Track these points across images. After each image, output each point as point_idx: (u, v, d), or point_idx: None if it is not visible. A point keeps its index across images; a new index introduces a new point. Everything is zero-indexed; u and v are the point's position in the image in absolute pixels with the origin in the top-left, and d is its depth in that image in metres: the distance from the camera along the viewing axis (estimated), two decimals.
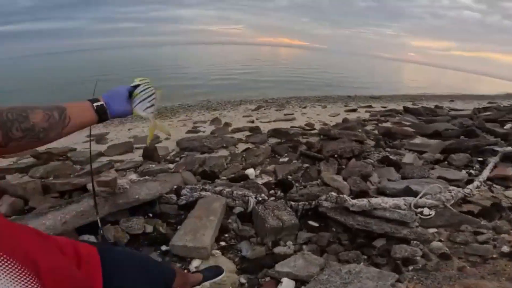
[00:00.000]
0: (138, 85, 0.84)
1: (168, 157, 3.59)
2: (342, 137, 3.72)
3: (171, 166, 3.22)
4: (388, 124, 5.85)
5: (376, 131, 5.00)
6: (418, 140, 4.36)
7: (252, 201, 2.23)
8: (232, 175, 2.92)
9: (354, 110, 7.78)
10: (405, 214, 2.11)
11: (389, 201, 2.16)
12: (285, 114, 6.88)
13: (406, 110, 7.75)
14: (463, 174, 3.18)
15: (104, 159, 3.60)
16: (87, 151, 3.91)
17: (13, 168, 3.21)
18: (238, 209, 2.32)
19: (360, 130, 4.80)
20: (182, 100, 9.60)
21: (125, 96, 0.81)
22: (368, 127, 5.43)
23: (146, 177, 2.40)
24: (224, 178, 2.89)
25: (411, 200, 2.28)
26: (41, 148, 3.75)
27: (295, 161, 3.27)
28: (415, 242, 1.97)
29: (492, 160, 3.44)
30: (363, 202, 2.10)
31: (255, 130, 4.88)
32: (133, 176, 2.85)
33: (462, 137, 4.62)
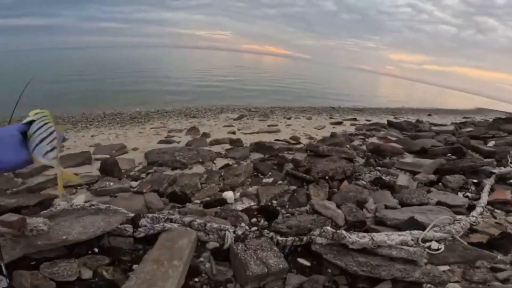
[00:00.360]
0: (34, 121, 0.63)
1: (132, 173, 3.04)
2: (332, 155, 3.36)
3: (134, 184, 2.70)
4: (374, 139, 5.64)
5: (364, 147, 4.75)
6: (409, 159, 4.12)
7: (229, 236, 1.78)
8: (207, 199, 2.45)
9: (339, 123, 7.58)
10: (414, 252, 1.76)
11: (395, 237, 1.80)
12: (269, 125, 6.50)
13: (390, 124, 7.67)
14: (462, 198, 2.92)
15: (53, 172, 2.98)
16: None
17: None
18: (212, 244, 1.87)
19: (348, 146, 4.51)
20: (159, 105, 8.97)
21: (16, 139, 0.59)
22: (356, 142, 5.17)
23: (92, 203, 1.87)
24: (198, 201, 2.41)
25: (418, 234, 1.94)
26: None
27: (280, 181, 2.86)
28: (428, 285, 1.64)
29: (488, 182, 3.24)
30: (365, 239, 1.72)
31: (236, 142, 4.43)
32: (82, 197, 2.30)
33: (449, 154, 4.48)
